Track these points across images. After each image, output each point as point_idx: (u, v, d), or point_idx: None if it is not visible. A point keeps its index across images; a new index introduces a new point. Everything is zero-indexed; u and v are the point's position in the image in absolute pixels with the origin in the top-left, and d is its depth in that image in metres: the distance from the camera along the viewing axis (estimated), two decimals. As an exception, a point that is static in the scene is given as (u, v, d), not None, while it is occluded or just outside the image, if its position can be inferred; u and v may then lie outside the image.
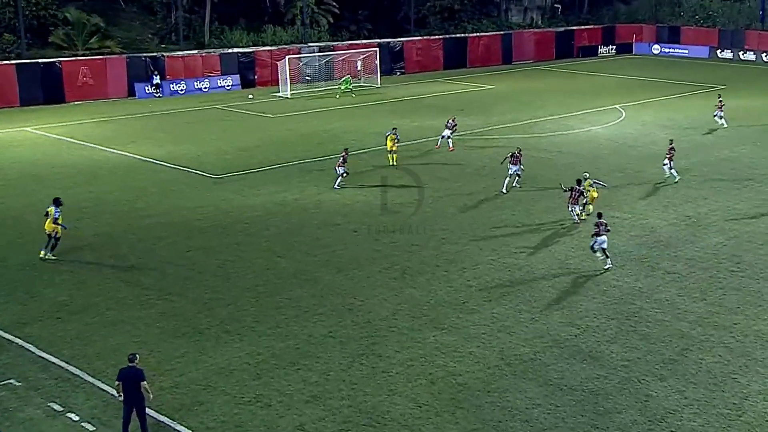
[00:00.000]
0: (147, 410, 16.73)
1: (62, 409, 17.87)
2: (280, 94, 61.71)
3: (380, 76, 67.14)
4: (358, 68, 66.65)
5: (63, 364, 19.87)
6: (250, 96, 61.04)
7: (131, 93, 60.63)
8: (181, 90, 62.47)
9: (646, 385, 18.69)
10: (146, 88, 60.92)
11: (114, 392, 17.10)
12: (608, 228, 25.91)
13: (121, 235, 29.71)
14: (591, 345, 20.68)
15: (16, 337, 21.39)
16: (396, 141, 38.65)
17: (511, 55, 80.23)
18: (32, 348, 20.76)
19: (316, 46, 69.78)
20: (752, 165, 38.99)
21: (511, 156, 34.36)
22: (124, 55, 62.89)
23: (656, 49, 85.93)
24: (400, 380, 19.02)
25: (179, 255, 27.52)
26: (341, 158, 35.07)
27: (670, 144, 36.29)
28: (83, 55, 62.92)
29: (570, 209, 30.22)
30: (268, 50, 67.20)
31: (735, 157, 40.70)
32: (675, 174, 35.54)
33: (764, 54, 78.69)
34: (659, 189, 34.75)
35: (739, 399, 18.12)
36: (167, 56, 63.33)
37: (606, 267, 25.62)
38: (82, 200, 33.71)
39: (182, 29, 69.67)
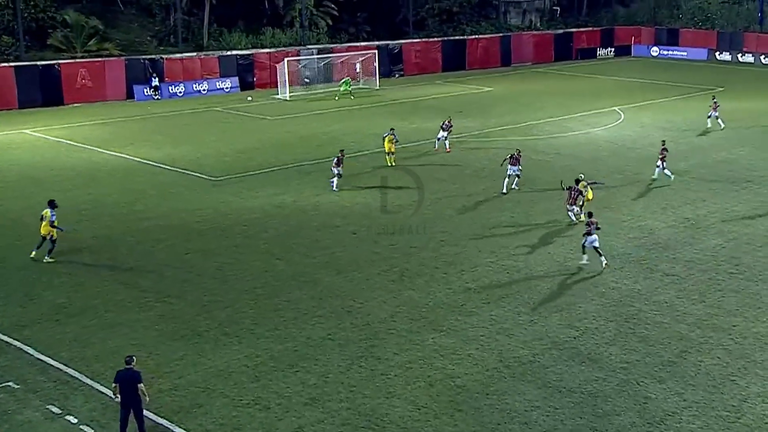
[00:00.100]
0: (145, 412, 16.75)
1: (61, 411, 17.85)
2: (278, 97, 61.64)
3: (379, 78, 67.11)
4: (357, 70, 66.64)
5: (61, 366, 19.85)
6: (249, 98, 60.98)
7: (130, 95, 60.57)
8: (180, 92, 62.40)
9: (645, 387, 18.68)
10: (145, 90, 60.85)
11: (111, 394, 17.13)
12: (598, 226, 26.01)
13: (119, 237, 29.69)
14: (590, 347, 20.68)
15: (14, 339, 21.37)
16: (394, 142, 38.79)
17: (510, 57, 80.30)
18: (31, 350, 20.74)
19: (315, 48, 69.79)
20: (750, 167, 39.01)
21: (511, 157, 34.47)
22: (123, 58, 62.82)
23: (655, 51, 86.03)
24: (398, 382, 19.01)
25: (178, 257, 27.50)
26: (336, 159, 35.20)
27: (663, 145, 36.42)
28: (82, 57, 62.81)
29: (568, 209, 30.29)
30: (267, 52, 67.17)
31: (733, 159, 40.72)
32: (669, 174, 35.57)
33: (762, 56, 78.71)
34: (658, 191, 34.76)
35: (738, 401, 18.12)
36: (166, 58, 63.29)
37: (603, 265, 25.69)
38: (80, 203, 33.71)
39: (181, 31, 69.64)
